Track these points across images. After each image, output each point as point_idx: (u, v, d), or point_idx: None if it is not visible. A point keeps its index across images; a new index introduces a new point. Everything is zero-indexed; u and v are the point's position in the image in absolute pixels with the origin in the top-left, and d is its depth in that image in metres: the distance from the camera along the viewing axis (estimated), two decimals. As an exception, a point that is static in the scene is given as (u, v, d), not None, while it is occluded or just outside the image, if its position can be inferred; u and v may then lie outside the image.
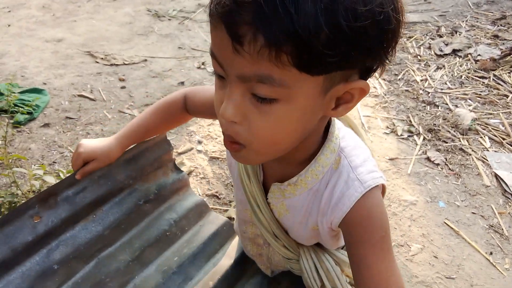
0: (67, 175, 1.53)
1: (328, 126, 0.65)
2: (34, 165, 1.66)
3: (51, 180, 1.41)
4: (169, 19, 3.31)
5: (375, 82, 2.43)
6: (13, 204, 1.39)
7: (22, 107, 1.95)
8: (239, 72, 0.48)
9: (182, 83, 2.38)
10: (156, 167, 1.07)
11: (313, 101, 0.51)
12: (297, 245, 0.79)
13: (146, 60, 2.64)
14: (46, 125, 1.96)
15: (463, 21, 3.29)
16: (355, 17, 0.43)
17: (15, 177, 1.41)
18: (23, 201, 1.39)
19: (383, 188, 0.66)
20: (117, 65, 2.55)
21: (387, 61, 0.52)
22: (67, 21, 3.22)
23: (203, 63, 2.62)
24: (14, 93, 2.00)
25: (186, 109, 0.90)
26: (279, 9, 0.42)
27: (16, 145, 1.80)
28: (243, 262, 0.97)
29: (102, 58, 2.62)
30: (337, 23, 0.43)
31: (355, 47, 0.45)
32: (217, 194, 1.62)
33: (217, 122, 1.99)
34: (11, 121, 1.91)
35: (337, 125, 0.67)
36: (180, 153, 1.82)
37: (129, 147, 0.98)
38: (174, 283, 0.89)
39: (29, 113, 1.98)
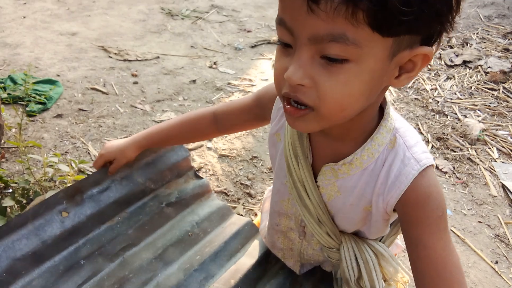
0: (80, 165, 1.55)
1: (382, 108, 0.66)
2: (47, 153, 1.68)
3: (65, 168, 1.43)
4: (182, 18, 3.34)
5: (385, 89, 2.45)
6: (26, 191, 1.41)
7: (36, 97, 1.98)
8: (312, 32, 0.49)
9: (194, 81, 2.40)
10: (176, 174, 1.09)
11: (381, 64, 0.51)
12: (340, 233, 0.78)
13: (158, 57, 2.66)
14: (59, 115, 1.98)
15: (474, 33, 3.31)
16: None
17: (29, 164, 1.43)
18: (36, 189, 1.42)
19: None
20: (130, 60, 2.58)
21: (448, 31, 0.52)
22: (82, 16, 3.26)
23: (214, 63, 2.64)
24: (28, 83, 2.03)
25: (215, 123, 0.91)
26: None
27: (29, 133, 1.82)
28: (265, 262, 0.97)
29: (115, 53, 2.65)
30: None
31: (427, 7, 0.46)
32: (225, 191, 1.63)
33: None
34: (26, 109, 1.93)
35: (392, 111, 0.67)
36: (190, 150, 1.84)
37: (147, 149, 1.01)
38: (196, 280, 0.90)
39: (42, 103, 2.00)
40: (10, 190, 1.45)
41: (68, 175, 1.44)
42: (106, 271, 0.88)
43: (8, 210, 1.37)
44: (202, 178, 1.14)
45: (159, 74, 2.47)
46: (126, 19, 3.25)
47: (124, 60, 2.58)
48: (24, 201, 1.40)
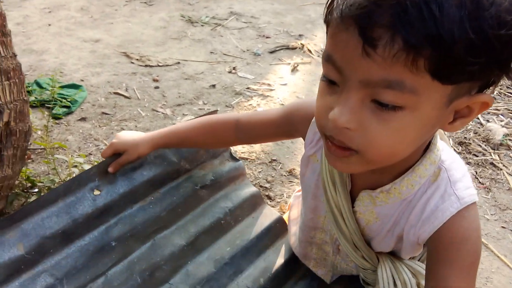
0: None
1: (428, 144, 0.62)
2: (73, 154, 1.73)
3: (89, 169, 1.47)
4: (201, 25, 3.39)
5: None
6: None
7: (61, 101, 2.04)
8: (364, 76, 0.46)
9: (214, 86, 2.44)
10: (212, 155, 1.09)
11: (438, 112, 0.49)
12: (376, 255, 0.76)
13: (179, 62, 2.71)
14: (83, 119, 2.04)
15: (496, 38, 3.27)
16: (501, 25, 0.42)
17: (55, 164, 1.47)
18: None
19: None
20: (151, 66, 2.63)
21: (510, 77, 0.48)
22: (105, 23, 3.34)
23: (234, 68, 2.67)
24: (54, 87, 2.09)
25: (236, 131, 0.88)
26: (424, 11, 0.40)
27: (54, 136, 1.87)
28: (294, 262, 0.96)
29: (137, 59, 2.70)
30: (483, 30, 0.41)
31: (495, 57, 0.44)
32: (245, 193, 1.65)
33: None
34: (51, 112, 1.99)
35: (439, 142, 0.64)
36: (210, 152, 1.86)
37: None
38: (226, 274, 0.90)
39: (67, 106, 2.06)
40: (36, 190, 1.49)
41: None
42: (136, 254, 0.87)
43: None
44: (239, 160, 1.14)
45: (179, 79, 2.51)
46: (148, 26, 3.32)
47: (146, 65, 2.64)
48: (50, 200, 1.44)
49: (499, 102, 2.38)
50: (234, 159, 1.14)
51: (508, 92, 2.47)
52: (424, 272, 0.75)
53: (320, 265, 0.92)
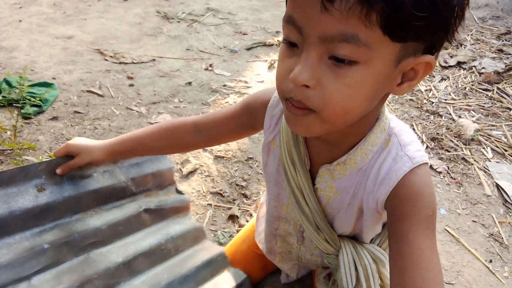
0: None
1: (377, 115, 0.67)
2: (43, 155, 1.69)
3: (60, 170, 1.44)
4: (178, 21, 3.35)
5: (380, 90, 2.47)
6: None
7: (30, 100, 1.98)
8: (323, 31, 0.49)
9: (190, 83, 2.41)
10: (158, 184, 1.07)
11: (387, 69, 0.52)
12: (338, 238, 0.78)
13: (154, 59, 2.67)
14: (55, 118, 1.99)
15: (468, 35, 3.33)
16: None
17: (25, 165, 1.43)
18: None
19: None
20: (126, 63, 2.59)
21: (450, 41, 0.55)
22: (78, 19, 3.26)
23: (210, 65, 2.65)
24: (24, 86, 2.03)
25: (195, 133, 0.87)
26: None
27: (24, 136, 1.82)
28: None
29: (111, 56, 2.65)
30: None
31: (437, 14, 0.48)
32: (221, 192, 1.64)
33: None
34: (21, 111, 1.93)
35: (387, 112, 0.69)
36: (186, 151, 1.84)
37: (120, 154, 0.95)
38: None
39: (38, 105, 2.00)
40: (5, 192, 1.45)
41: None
42: (68, 264, 0.82)
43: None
44: (184, 194, 1.13)
45: (155, 76, 2.47)
46: (122, 22, 3.26)
47: (120, 63, 2.59)
48: (19, 203, 1.40)
49: (471, 98, 2.43)
50: (179, 192, 1.12)
51: (479, 88, 2.52)
52: (383, 258, 0.79)
53: (285, 259, 0.93)
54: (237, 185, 1.68)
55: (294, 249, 0.88)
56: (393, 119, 0.69)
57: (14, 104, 1.98)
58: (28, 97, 1.98)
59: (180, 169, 1.74)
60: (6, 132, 1.77)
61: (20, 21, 3.16)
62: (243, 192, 1.65)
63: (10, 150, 1.66)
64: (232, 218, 1.52)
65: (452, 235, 1.55)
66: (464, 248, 1.50)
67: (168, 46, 2.90)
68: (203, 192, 1.64)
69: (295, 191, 0.73)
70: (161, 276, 0.90)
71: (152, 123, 2.02)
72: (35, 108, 1.99)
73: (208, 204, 1.58)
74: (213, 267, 0.99)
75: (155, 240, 0.96)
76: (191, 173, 1.72)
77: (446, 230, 1.57)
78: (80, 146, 0.92)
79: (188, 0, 3.86)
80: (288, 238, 0.87)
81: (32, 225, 0.83)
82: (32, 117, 1.95)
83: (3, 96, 2.00)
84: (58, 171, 0.92)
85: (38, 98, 1.99)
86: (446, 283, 1.37)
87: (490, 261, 1.46)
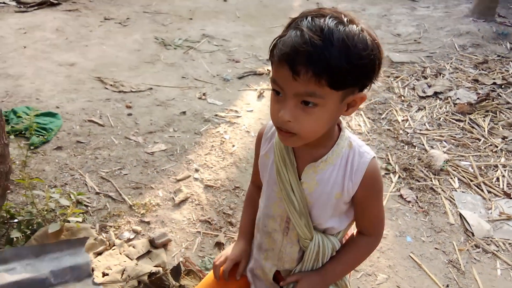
0: (78, 196, 1.73)
1: (340, 128, 1.00)
2: (49, 185, 1.87)
3: (65, 203, 1.62)
4: (174, 48, 3.55)
5: (360, 120, 2.66)
6: (30, 222, 1.59)
7: (38, 131, 2.16)
8: (295, 90, 0.81)
9: (184, 112, 2.60)
10: (75, 277, 1.24)
11: (336, 106, 0.85)
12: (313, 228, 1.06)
13: (151, 88, 2.86)
14: (59, 148, 2.17)
15: (448, 63, 3.54)
16: (360, 58, 0.79)
17: (33, 198, 1.61)
18: (39, 220, 1.59)
19: None
20: (124, 92, 2.78)
21: (374, 82, 0.88)
22: (80, 46, 3.46)
23: (204, 94, 2.84)
24: (31, 116, 2.21)
25: (258, 187, 1.17)
26: (321, 56, 0.76)
27: (32, 166, 2.00)
28: None
29: (111, 85, 2.84)
30: (351, 62, 0.78)
31: (361, 73, 0.81)
32: (209, 220, 1.82)
33: (213, 152, 2.20)
34: (27, 142, 2.11)
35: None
36: (178, 180, 2.03)
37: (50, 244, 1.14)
38: None
39: (43, 135, 2.18)
40: (16, 220, 1.62)
41: (68, 207, 1.63)
42: None
43: (14, 239, 1.55)
44: (100, 285, 1.30)
45: (151, 105, 2.66)
46: (122, 49, 3.46)
47: (119, 91, 2.78)
48: (29, 232, 1.58)
49: (444, 129, 2.63)
50: (96, 285, 1.29)
51: (452, 119, 2.72)
52: (338, 248, 1.09)
53: (269, 257, 1.14)
54: (224, 213, 1.87)
55: (277, 245, 1.11)
56: (349, 133, 1.02)
57: (20, 134, 2.16)
58: (36, 128, 2.16)
59: (173, 198, 1.92)
60: (15, 163, 1.94)
61: (25, 47, 3.35)
62: (229, 220, 1.83)
63: (17, 182, 1.84)
64: (219, 245, 1.70)
65: (415, 261, 1.73)
66: (425, 273, 1.69)
67: (165, 74, 3.09)
68: (193, 220, 1.82)
69: (286, 185, 1.00)
70: None
71: (148, 153, 2.20)
72: (41, 138, 2.17)
73: (197, 232, 1.76)
74: None
75: None
76: (183, 201, 1.91)
77: (410, 256, 1.75)
78: (240, 254, 1.20)
79: (185, 26, 4.07)
80: (274, 234, 1.10)
81: None
82: (39, 146, 2.13)
83: (11, 127, 2.19)
84: (238, 277, 1.19)
85: (47, 131, 2.17)
86: (406, 306, 1.55)
87: (447, 286, 1.64)
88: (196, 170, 2.10)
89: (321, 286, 1.10)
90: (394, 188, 2.11)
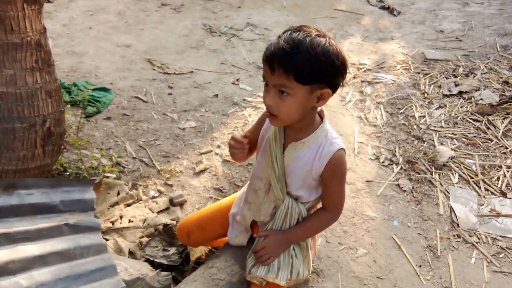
0: (118, 159, 2.12)
1: (322, 119, 1.28)
2: (96, 148, 2.28)
3: (105, 162, 2.01)
4: (219, 35, 3.86)
5: (377, 113, 2.83)
6: (78, 175, 2.00)
7: (92, 102, 2.59)
8: (274, 82, 1.12)
9: (217, 95, 2.93)
10: (81, 208, 1.50)
11: (305, 97, 1.13)
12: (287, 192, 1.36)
13: (192, 71, 3.21)
14: (108, 118, 2.58)
15: (483, 63, 3.55)
16: (318, 62, 1.07)
17: (81, 156, 2.02)
18: (84, 174, 2.00)
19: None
20: (169, 74, 3.15)
21: (341, 83, 1.17)
22: (136, 29, 3.88)
23: (237, 80, 3.14)
24: (88, 89, 2.65)
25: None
26: (290, 59, 1.07)
27: (85, 131, 2.43)
28: None
29: (158, 67, 3.23)
30: (313, 64, 1.07)
31: (322, 73, 1.10)
32: (221, 188, 2.14)
33: (235, 132, 2.50)
34: (83, 111, 2.54)
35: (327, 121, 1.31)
36: (201, 153, 2.36)
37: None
38: None
39: (96, 107, 2.61)
40: (67, 173, 2.05)
41: (105, 166, 2.02)
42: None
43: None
44: (99, 219, 1.53)
45: (190, 87, 3.01)
46: (172, 34, 3.83)
47: (164, 73, 3.16)
48: (76, 183, 1.99)
49: (459, 127, 2.73)
50: (96, 217, 1.52)
51: (470, 119, 2.81)
52: (305, 215, 1.38)
53: (251, 208, 1.44)
54: (235, 184, 2.18)
55: (259, 199, 1.41)
56: (328, 126, 1.29)
57: (77, 105, 2.59)
58: (90, 100, 2.59)
59: (194, 168, 2.26)
60: (71, 127, 2.38)
61: (90, 28, 3.83)
62: (238, 190, 2.15)
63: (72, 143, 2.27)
64: (225, 209, 2.03)
65: (396, 242, 1.94)
66: (402, 253, 1.90)
67: (206, 59, 3.43)
68: (208, 187, 2.15)
69: (272, 155, 1.30)
70: (63, 270, 1.29)
71: (180, 128, 2.56)
72: (94, 109, 2.59)
73: (209, 197, 2.10)
74: (103, 273, 1.35)
75: (67, 245, 1.37)
76: (202, 171, 2.24)
77: (392, 238, 1.97)
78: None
79: (233, 14, 4.37)
80: (258, 191, 1.41)
81: None
82: (92, 116, 2.56)
83: (71, 97, 2.63)
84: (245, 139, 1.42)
85: (101, 102, 2.59)
86: (377, 277, 1.79)
87: (420, 266, 1.85)
88: (218, 146, 2.43)
89: (284, 243, 1.39)
90: (393, 177, 2.30)
